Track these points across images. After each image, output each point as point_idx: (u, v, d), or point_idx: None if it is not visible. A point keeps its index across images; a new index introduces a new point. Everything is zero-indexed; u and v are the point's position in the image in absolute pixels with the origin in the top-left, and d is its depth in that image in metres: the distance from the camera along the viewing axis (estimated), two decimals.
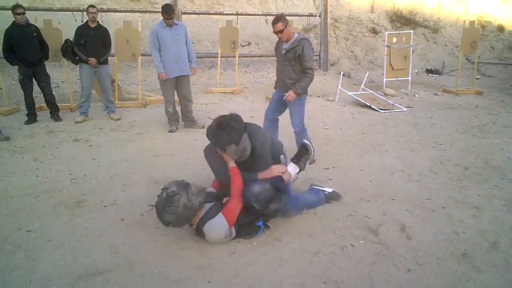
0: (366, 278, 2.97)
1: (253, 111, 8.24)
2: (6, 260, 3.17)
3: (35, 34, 7.10)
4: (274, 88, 5.54)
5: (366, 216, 3.89)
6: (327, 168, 5.14)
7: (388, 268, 3.10)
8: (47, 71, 7.39)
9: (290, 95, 5.12)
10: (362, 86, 9.49)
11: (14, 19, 6.98)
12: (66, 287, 2.85)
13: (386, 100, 9.02)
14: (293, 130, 5.34)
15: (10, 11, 7.18)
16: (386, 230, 3.65)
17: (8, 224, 3.73)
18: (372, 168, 5.18)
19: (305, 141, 4.05)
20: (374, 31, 13.97)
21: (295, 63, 5.07)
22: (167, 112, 6.87)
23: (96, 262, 3.15)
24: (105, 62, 7.43)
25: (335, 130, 6.89)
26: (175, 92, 6.87)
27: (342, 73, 9.90)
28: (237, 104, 8.99)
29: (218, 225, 3.31)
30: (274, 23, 4.97)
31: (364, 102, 8.55)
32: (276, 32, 5.02)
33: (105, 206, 4.08)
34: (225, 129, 3.38)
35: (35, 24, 7.51)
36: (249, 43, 13.44)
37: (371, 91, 9.44)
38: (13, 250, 3.31)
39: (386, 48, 10.20)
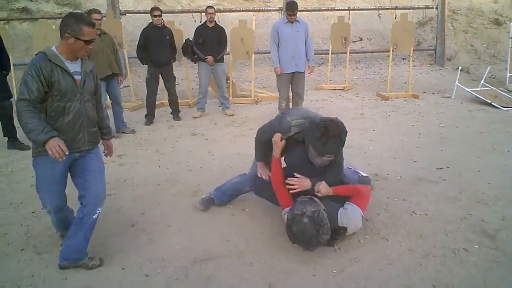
0: (480, 284, 2.83)
1: (363, 108, 8.12)
2: (130, 241, 3.52)
3: (168, 37, 7.45)
4: None
5: (483, 220, 3.67)
6: (441, 168, 4.91)
7: (505, 275, 2.92)
8: (173, 72, 7.74)
9: None
10: (483, 81, 8.86)
11: (151, 21, 7.40)
12: (182, 269, 3.10)
13: (510, 97, 8.32)
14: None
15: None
16: (505, 236, 3.42)
17: (133, 209, 4.12)
18: (491, 169, 4.85)
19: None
20: (497, 23, 12.90)
21: None
22: (280, 107, 7.02)
23: (209, 248, 3.37)
24: (221, 60, 7.78)
25: (451, 128, 6.53)
26: (290, 88, 7.02)
27: (460, 68, 9.32)
28: (346, 101, 8.90)
29: (353, 213, 3.27)
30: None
31: (484, 99, 7.98)
32: None
33: None
34: (334, 138, 3.14)
35: (169, 27, 7.84)
36: (361, 39, 13.19)
37: (492, 87, 8.77)
38: (137, 233, 3.67)
39: (510, 40, 9.40)
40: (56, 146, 2.64)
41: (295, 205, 3.23)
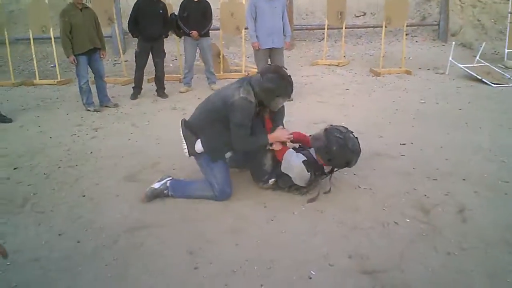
0: (396, 257, 2.84)
1: (351, 84, 8.05)
2: (77, 209, 3.64)
3: (161, 11, 7.36)
4: None
5: (425, 195, 3.67)
6: (404, 144, 4.88)
7: (425, 249, 2.92)
8: (164, 48, 7.69)
9: None
10: (477, 58, 8.64)
11: None
12: (113, 237, 3.19)
13: (503, 73, 8.13)
14: None
15: None
16: (441, 210, 3.42)
17: (90, 179, 4.24)
18: (455, 145, 4.80)
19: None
20: None
21: None
22: None
23: (145, 217, 3.46)
24: (206, 34, 7.75)
25: (430, 105, 6.45)
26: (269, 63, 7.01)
27: (453, 43, 9.09)
28: (337, 76, 8.83)
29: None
30: None
31: (475, 75, 7.81)
32: None
33: (173, 169, 4.40)
34: (290, 78, 3.63)
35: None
36: (364, 13, 12.95)
37: (486, 63, 8.56)
38: (85, 201, 3.78)
39: (509, 15, 9.12)
40: None
41: (331, 131, 3.64)
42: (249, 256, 2.90)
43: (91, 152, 5.01)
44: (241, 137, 3.54)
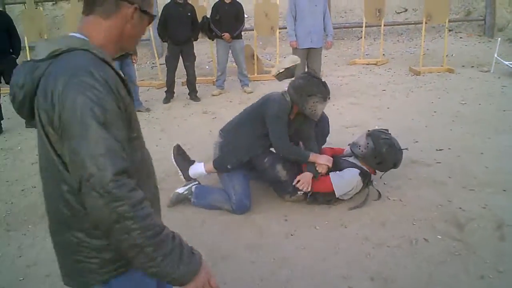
0: (424, 280, 2.63)
1: (389, 84, 7.73)
2: None
3: (189, 13, 7.28)
4: None
5: (460, 208, 3.41)
6: (441, 150, 4.59)
7: (457, 271, 2.69)
8: (194, 51, 7.62)
9: None
10: None
11: None
12: None
13: None
14: None
15: None
16: (476, 226, 3.15)
17: None
18: (496, 151, 4.46)
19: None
20: None
21: None
22: None
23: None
24: (239, 36, 7.65)
25: (472, 106, 6.06)
26: (306, 64, 6.82)
27: (499, 39, 8.57)
28: (375, 76, 8.50)
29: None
30: None
31: None
32: None
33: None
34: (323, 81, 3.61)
35: (191, 4, 7.67)
36: (406, 10, 12.48)
37: None
38: None
39: None
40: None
41: (376, 134, 3.61)
42: (264, 275, 2.76)
43: None
44: (279, 133, 3.47)
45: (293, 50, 6.82)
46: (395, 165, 3.62)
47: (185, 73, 7.67)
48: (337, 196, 3.52)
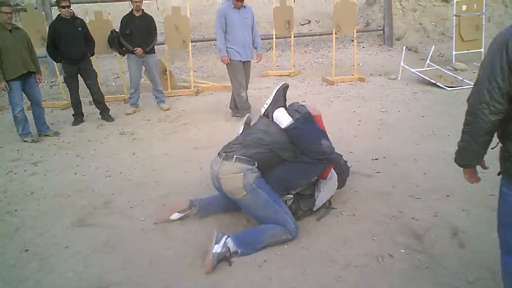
0: None
1: (307, 95, 7.78)
2: (19, 269, 3.06)
3: (80, 28, 6.68)
4: None
5: (413, 218, 3.38)
6: (377, 159, 4.61)
7: (430, 286, 2.61)
8: (93, 67, 7.03)
9: None
10: (428, 61, 8.63)
11: (59, 13, 6.64)
12: None
13: (455, 76, 8.15)
14: None
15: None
16: (434, 235, 3.14)
17: (32, 228, 3.64)
18: (428, 157, 4.58)
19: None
20: (445, 0, 12.77)
21: None
22: (240, 99, 6.32)
23: (104, 274, 2.94)
24: (152, 51, 7.25)
25: (392, 113, 6.25)
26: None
27: (404, 48, 9.07)
28: (291, 87, 8.26)
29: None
30: None
31: (428, 79, 7.76)
32: None
33: (131, 208, 3.89)
34: None
35: (80, 17, 7.14)
36: (309, 21, 12.83)
37: (437, 66, 8.56)
38: (29, 258, 3.20)
39: (454, 17, 9.20)
40: None
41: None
42: None
43: (31, 193, 4.39)
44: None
45: (228, 65, 6.35)
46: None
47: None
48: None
